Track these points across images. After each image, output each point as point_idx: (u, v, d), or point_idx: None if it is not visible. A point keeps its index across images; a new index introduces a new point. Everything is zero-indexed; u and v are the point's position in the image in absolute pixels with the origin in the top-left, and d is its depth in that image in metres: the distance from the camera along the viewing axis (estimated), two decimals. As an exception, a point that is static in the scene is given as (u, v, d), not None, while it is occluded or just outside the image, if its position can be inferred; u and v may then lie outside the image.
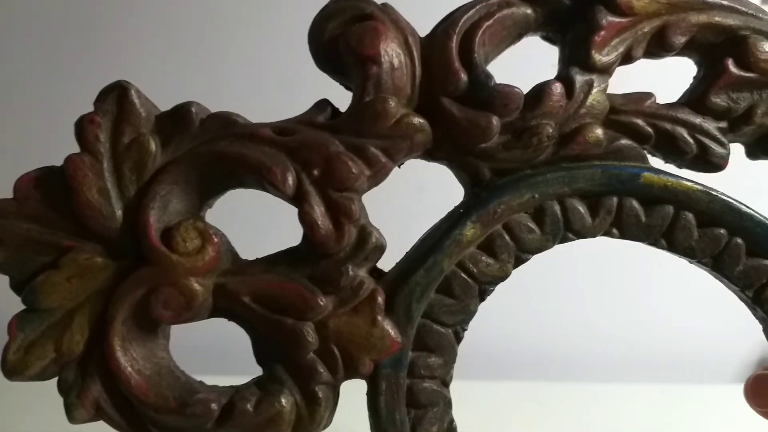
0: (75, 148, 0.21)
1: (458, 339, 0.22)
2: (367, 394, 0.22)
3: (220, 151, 0.21)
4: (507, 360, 0.55)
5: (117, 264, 0.21)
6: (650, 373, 0.48)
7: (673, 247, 0.23)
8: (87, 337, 0.21)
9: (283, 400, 0.21)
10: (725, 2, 0.23)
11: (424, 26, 0.24)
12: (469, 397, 0.49)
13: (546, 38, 0.25)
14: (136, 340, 0.21)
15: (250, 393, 0.21)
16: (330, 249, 0.21)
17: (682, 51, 0.24)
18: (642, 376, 0.49)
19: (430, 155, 0.23)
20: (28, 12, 0.57)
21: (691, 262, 0.24)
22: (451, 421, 0.22)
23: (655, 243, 0.23)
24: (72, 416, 0.21)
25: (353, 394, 0.22)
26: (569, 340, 0.59)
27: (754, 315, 0.24)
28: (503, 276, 0.22)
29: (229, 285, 0.21)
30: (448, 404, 0.22)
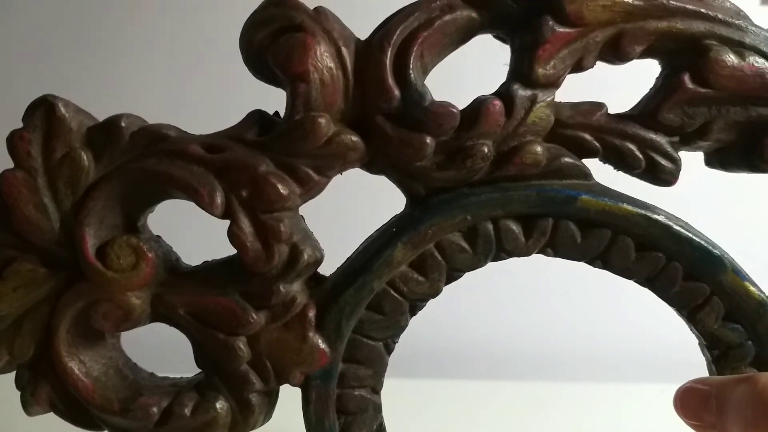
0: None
1: (389, 350, 0.23)
2: (301, 406, 0.23)
3: (149, 169, 0.21)
4: (507, 360, 0.57)
5: (59, 274, 0.22)
6: (650, 373, 0.50)
7: (609, 267, 0.23)
8: (36, 341, 0.22)
9: (218, 406, 0.22)
10: (689, 6, 0.22)
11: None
12: (469, 397, 0.51)
13: (497, 37, 0.23)
14: (82, 344, 0.23)
15: (188, 398, 0.22)
16: (260, 268, 0.22)
17: (643, 56, 0.22)
18: (642, 375, 0.51)
19: (366, 168, 0.23)
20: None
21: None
22: (381, 423, 0.24)
23: (591, 262, 0.23)
24: (28, 411, 0.23)
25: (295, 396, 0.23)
26: (569, 340, 0.60)
27: (692, 332, 0.24)
28: (434, 293, 0.23)
29: (165, 296, 0.22)
30: (378, 409, 0.24)
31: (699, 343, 0.24)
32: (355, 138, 0.21)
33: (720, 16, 0.22)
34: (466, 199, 0.22)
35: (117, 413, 0.22)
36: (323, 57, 0.21)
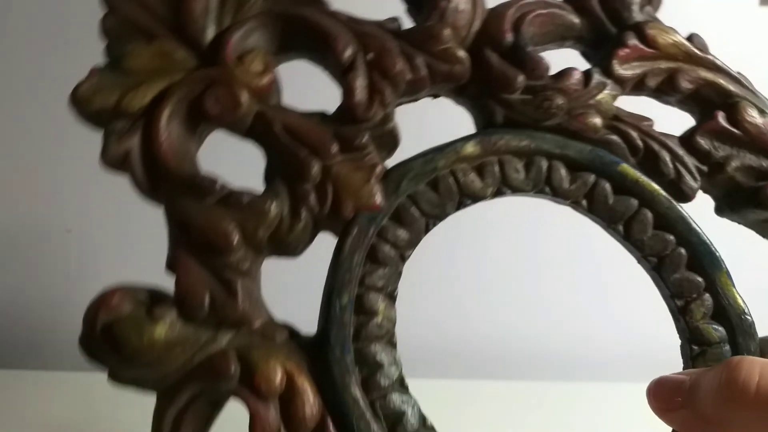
0: None
1: (427, 230, 0.26)
2: (338, 238, 0.25)
3: (304, 16, 0.27)
4: (507, 360, 0.57)
5: (194, 62, 0.26)
6: (650, 373, 0.49)
7: (627, 236, 0.27)
8: (146, 103, 0.25)
9: (273, 206, 0.24)
10: (732, 72, 0.29)
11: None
12: (470, 396, 0.50)
13: (584, 54, 0.30)
14: (179, 124, 0.26)
15: (249, 192, 0.25)
16: (357, 114, 0.26)
17: (686, 101, 0.29)
18: (642, 375, 0.50)
19: (458, 93, 0.28)
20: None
21: (636, 258, 0.27)
22: (395, 290, 0.25)
23: (612, 227, 0.27)
24: (106, 154, 0.25)
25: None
26: (570, 339, 0.60)
27: (676, 325, 0.27)
28: (482, 196, 0.26)
29: (268, 113, 0.26)
30: (399, 275, 0.25)
31: (681, 337, 0.26)
32: (464, 55, 0.27)
33: (751, 88, 0.29)
34: (534, 132, 0.27)
35: (185, 178, 0.24)
36: (466, -8, 0.28)
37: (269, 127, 0.26)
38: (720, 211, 0.29)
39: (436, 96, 0.29)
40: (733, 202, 0.28)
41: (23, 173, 0.61)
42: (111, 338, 0.24)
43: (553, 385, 0.52)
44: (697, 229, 0.26)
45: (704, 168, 0.28)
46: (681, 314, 0.26)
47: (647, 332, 0.58)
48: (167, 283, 0.25)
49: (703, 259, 0.26)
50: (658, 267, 0.26)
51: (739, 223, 0.29)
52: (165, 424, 0.24)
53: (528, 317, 0.61)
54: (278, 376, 0.24)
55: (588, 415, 0.45)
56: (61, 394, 0.51)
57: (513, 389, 0.49)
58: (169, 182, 0.25)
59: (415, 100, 0.28)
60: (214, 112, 0.25)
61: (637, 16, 0.28)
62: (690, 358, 0.26)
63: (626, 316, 0.61)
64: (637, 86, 0.28)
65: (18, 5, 0.61)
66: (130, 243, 0.58)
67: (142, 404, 0.51)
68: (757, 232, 0.28)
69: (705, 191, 0.29)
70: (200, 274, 0.24)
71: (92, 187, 0.56)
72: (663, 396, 0.25)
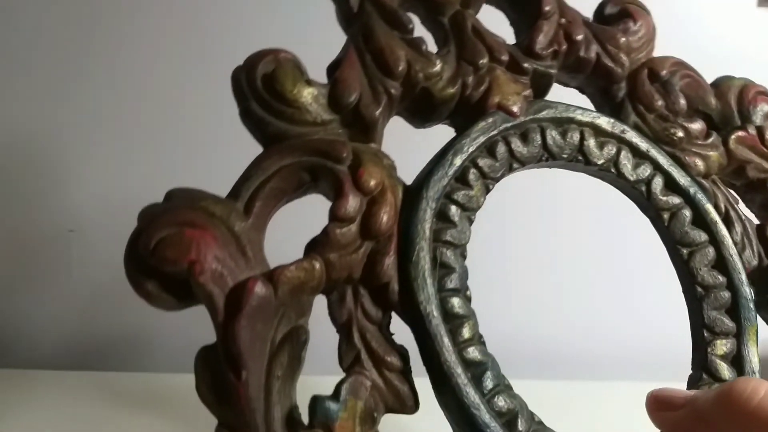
0: None
1: (487, 191, 0.29)
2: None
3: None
4: (507, 360, 0.54)
5: None
6: (651, 373, 0.47)
7: (650, 194, 0.31)
8: None
9: (439, 63, 0.29)
10: None
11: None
12: None
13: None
14: None
15: (427, 47, 0.29)
16: (533, 49, 0.30)
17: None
18: (642, 375, 0.48)
19: (603, 94, 0.33)
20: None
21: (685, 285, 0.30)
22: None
23: (635, 188, 0.30)
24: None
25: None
26: (570, 338, 0.58)
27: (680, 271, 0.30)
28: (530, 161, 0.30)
29: (466, 14, 0.31)
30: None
31: (686, 283, 0.30)
32: (627, 63, 0.32)
33: None
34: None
35: (389, 12, 0.29)
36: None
37: (463, 22, 0.30)
38: (758, 307, 0.32)
39: (574, 86, 0.33)
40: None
41: (24, 173, 0.61)
42: (269, 79, 0.27)
43: (553, 385, 0.50)
44: (748, 288, 0.30)
45: (765, 258, 0.32)
46: (688, 262, 0.30)
47: (650, 331, 0.58)
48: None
49: (742, 309, 0.29)
50: (669, 224, 0.30)
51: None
52: (261, 169, 0.26)
53: (529, 316, 0.60)
54: (377, 180, 0.26)
55: (589, 414, 0.44)
56: (62, 394, 0.52)
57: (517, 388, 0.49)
58: (374, 6, 0.29)
59: (567, 82, 0.33)
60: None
61: (758, 119, 0.34)
62: (696, 298, 0.30)
63: (629, 316, 0.60)
64: (738, 171, 0.33)
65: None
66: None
67: (143, 404, 0.52)
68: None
69: (757, 278, 0.32)
70: (360, 75, 0.28)
71: (93, 186, 0.60)
72: (665, 396, 0.27)
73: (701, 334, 0.29)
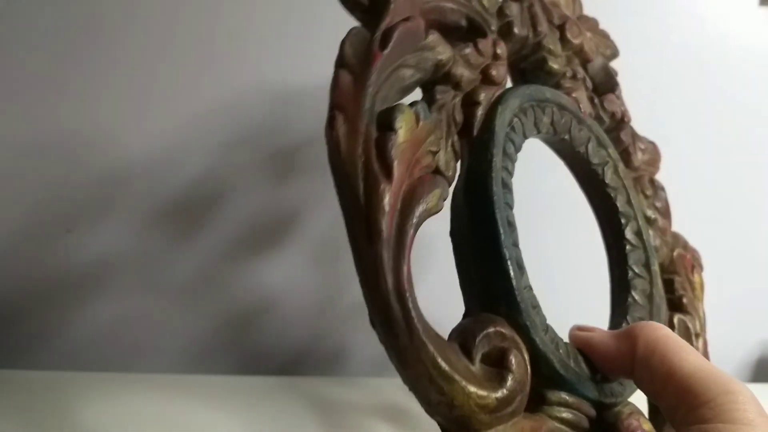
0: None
1: None
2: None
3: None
4: None
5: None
6: None
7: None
8: None
9: None
10: None
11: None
12: None
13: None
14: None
15: None
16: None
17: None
18: None
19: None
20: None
21: None
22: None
23: None
24: None
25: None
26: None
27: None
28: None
29: None
30: None
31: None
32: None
33: None
34: None
35: None
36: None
37: (572, 58, 0.43)
38: None
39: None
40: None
41: (24, 173, 0.60)
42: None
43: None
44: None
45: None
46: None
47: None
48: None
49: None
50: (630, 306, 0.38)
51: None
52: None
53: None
54: (505, 55, 0.36)
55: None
56: (62, 394, 0.52)
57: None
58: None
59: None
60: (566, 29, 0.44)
61: (694, 261, 0.45)
62: None
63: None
64: (668, 282, 0.43)
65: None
66: (131, 243, 0.60)
67: (142, 404, 0.53)
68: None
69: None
70: (522, 13, 0.39)
71: (93, 186, 0.60)
72: (587, 326, 0.34)
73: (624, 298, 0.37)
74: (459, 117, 0.33)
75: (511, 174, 0.33)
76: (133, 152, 0.58)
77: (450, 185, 0.31)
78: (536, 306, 0.30)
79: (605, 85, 0.46)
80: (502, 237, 0.30)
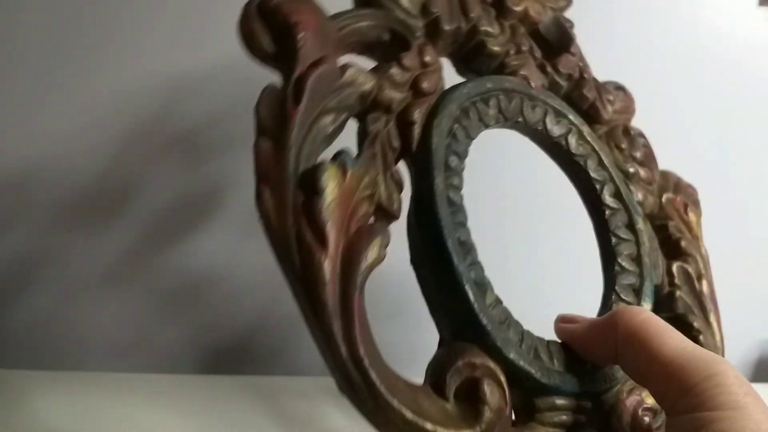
0: None
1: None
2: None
3: None
4: None
5: None
6: None
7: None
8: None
9: None
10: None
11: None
12: None
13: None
14: None
15: None
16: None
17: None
18: None
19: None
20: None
21: None
22: None
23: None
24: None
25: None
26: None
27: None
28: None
29: None
30: None
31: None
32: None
33: None
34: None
35: None
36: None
37: (517, 27, 0.41)
38: None
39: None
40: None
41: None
42: None
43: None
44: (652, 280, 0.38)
45: (666, 285, 0.40)
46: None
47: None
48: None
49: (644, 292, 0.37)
50: (618, 275, 0.37)
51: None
52: (357, 15, 0.34)
53: (530, 315, 0.56)
54: (433, 59, 0.35)
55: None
56: (62, 394, 0.52)
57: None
58: None
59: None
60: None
61: (686, 198, 0.44)
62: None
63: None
64: (662, 226, 0.42)
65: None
66: (130, 243, 0.60)
67: (141, 404, 0.52)
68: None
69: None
70: (447, 3, 0.37)
71: (93, 186, 0.60)
72: (570, 316, 0.34)
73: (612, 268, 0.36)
74: (396, 142, 0.33)
75: (459, 188, 0.32)
76: (33, 154, 0.57)
77: (396, 218, 0.31)
78: (505, 320, 0.30)
79: (559, 42, 0.43)
80: (455, 260, 0.29)
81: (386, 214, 0.31)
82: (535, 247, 0.62)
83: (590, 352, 0.31)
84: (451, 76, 0.38)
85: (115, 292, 0.60)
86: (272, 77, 0.30)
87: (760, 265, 0.51)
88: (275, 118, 0.28)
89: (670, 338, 0.28)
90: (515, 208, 0.62)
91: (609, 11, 0.51)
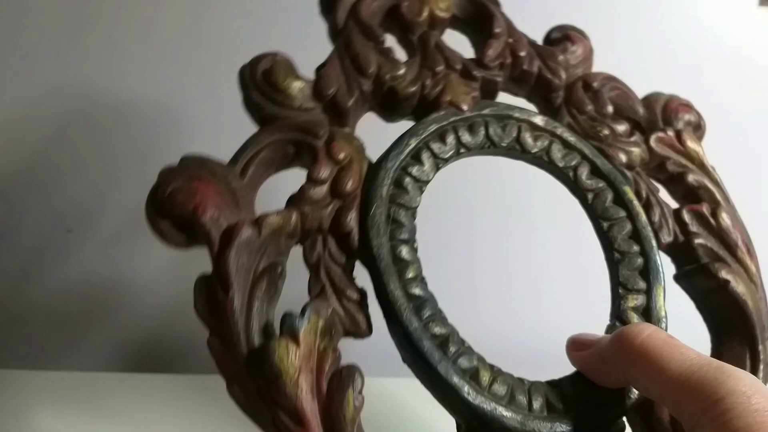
0: None
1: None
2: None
3: (484, 3, 0.40)
4: (507, 359, 0.56)
5: None
6: None
7: (577, 179, 0.37)
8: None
9: (404, 68, 0.36)
10: (722, 186, 0.39)
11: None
12: None
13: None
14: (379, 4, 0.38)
15: (395, 57, 0.36)
16: (484, 61, 0.38)
17: (683, 192, 0.39)
18: None
19: (545, 100, 0.39)
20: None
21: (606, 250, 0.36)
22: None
23: (600, 222, 0.36)
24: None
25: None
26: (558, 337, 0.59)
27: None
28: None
29: (430, 33, 0.38)
30: None
31: (607, 250, 0.36)
32: (564, 78, 0.39)
33: (728, 197, 0.39)
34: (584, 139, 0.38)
35: (367, 28, 0.36)
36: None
37: (428, 40, 0.38)
38: (677, 279, 0.38)
39: (523, 96, 0.40)
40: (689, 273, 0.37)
41: (24, 173, 0.61)
42: (267, 74, 0.34)
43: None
44: (658, 256, 0.35)
45: (680, 236, 0.37)
46: (608, 232, 0.35)
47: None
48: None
49: (651, 272, 0.34)
50: (619, 261, 0.35)
51: (689, 292, 0.37)
52: (256, 142, 0.33)
53: (529, 315, 0.60)
54: (346, 152, 0.33)
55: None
56: (62, 394, 0.52)
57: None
58: (355, 24, 0.37)
59: (516, 92, 0.40)
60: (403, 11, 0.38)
61: (679, 125, 0.40)
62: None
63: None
64: (659, 166, 0.39)
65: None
66: (130, 243, 0.60)
67: (142, 404, 0.53)
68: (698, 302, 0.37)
69: (674, 253, 0.37)
70: (339, 74, 0.35)
71: (93, 186, 0.61)
72: (580, 339, 0.33)
73: (617, 290, 0.34)
74: (340, 257, 0.32)
75: (413, 262, 0.32)
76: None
77: (369, 335, 0.32)
78: (505, 394, 0.31)
79: (479, 20, 0.39)
80: (434, 362, 0.30)
81: (356, 336, 0.31)
82: (535, 246, 0.61)
83: (602, 379, 0.31)
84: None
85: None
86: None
87: (760, 265, 0.48)
88: (214, 315, 0.29)
89: (670, 363, 0.27)
90: (515, 211, 0.61)
91: (609, 11, 0.52)
